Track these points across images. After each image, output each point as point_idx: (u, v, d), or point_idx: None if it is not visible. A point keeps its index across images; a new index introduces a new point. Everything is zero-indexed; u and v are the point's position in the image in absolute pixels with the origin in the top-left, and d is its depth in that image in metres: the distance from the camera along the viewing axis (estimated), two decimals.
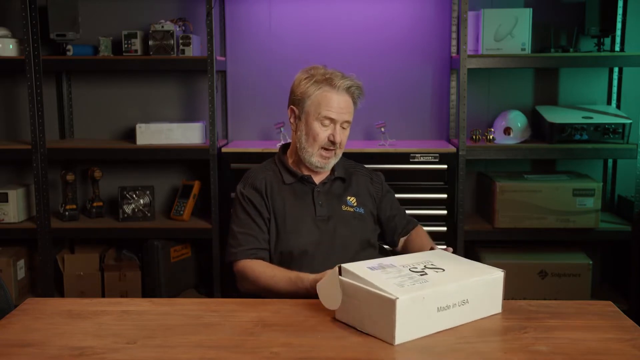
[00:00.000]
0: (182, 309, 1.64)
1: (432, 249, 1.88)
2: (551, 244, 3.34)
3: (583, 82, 3.44)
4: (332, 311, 1.54)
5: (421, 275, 1.50)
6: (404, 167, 3.12)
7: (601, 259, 3.54)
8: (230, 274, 1.97)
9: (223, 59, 3.42)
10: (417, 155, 3.12)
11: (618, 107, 3.38)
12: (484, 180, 3.40)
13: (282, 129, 3.22)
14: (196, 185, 3.39)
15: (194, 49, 3.24)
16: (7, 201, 3.25)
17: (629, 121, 3.13)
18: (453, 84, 3.42)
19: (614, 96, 3.40)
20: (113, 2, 3.45)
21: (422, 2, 3.41)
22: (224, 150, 3.17)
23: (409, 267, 1.55)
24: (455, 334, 1.45)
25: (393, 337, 1.38)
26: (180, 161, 3.55)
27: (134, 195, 3.32)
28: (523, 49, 3.14)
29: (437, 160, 3.12)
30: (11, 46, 3.23)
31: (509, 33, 3.14)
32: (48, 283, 3.27)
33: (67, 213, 3.32)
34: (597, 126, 3.12)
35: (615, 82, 3.39)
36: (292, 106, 2.00)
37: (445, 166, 3.13)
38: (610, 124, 3.12)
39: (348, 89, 1.94)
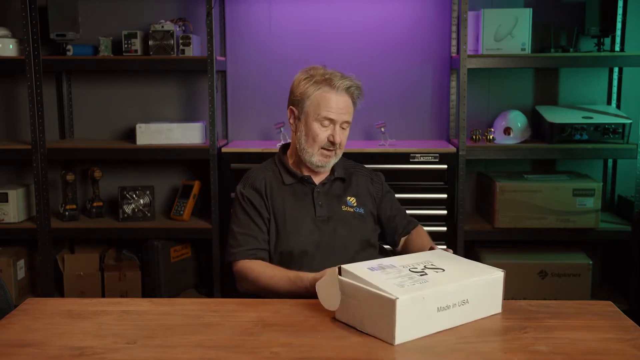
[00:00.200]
0: (182, 309, 1.64)
1: (431, 248, 1.88)
2: (551, 244, 3.34)
3: (583, 82, 3.44)
4: (332, 311, 1.54)
5: (421, 275, 1.50)
6: (404, 167, 3.12)
7: (601, 259, 3.53)
8: (230, 274, 1.97)
9: (223, 59, 3.42)
10: (417, 155, 3.12)
11: (618, 107, 3.38)
12: (484, 180, 3.40)
13: (282, 129, 3.22)
14: (196, 185, 3.39)
15: (194, 49, 3.24)
16: (7, 201, 3.25)
17: (629, 121, 3.13)
18: (453, 84, 3.42)
19: (614, 96, 3.40)
20: (113, 2, 3.45)
21: (422, 2, 3.41)
22: (224, 150, 3.17)
23: (408, 268, 1.55)
24: (455, 334, 1.45)
25: (393, 337, 1.38)
26: (180, 161, 3.55)
27: (134, 195, 3.32)
28: (523, 49, 3.14)
29: (437, 160, 3.12)
30: (11, 46, 3.23)
31: (509, 33, 3.14)
32: (48, 283, 3.27)
33: (67, 213, 3.32)
34: (597, 126, 3.12)
35: (615, 82, 3.39)
36: (291, 107, 2.00)
37: (445, 166, 3.13)
38: (610, 124, 3.12)
39: (347, 89, 1.94)
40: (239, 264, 1.91)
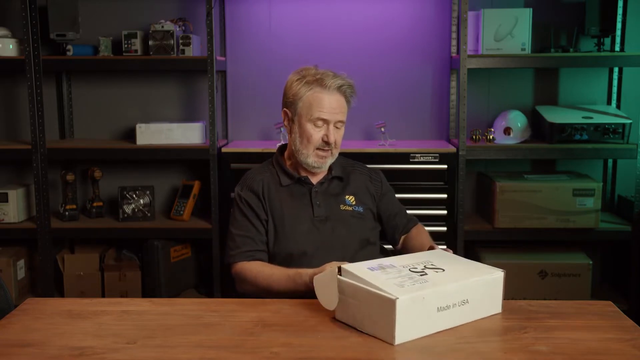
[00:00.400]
0: (182, 309, 1.64)
1: (431, 247, 1.88)
2: (551, 244, 3.34)
3: (583, 82, 3.44)
4: (332, 311, 1.54)
5: (421, 275, 1.50)
6: (404, 167, 3.12)
7: (601, 259, 3.54)
8: (230, 275, 1.97)
9: (223, 59, 3.42)
10: (417, 155, 3.12)
11: (618, 107, 3.38)
12: (484, 180, 3.40)
13: (282, 129, 3.22)
14: (196, 185, 3.39)
15: (194, 49, 3.24)
16: (7, 201, 3.25)
17: (629, 121, 3.13)
18: (453, 84, 3.42)
19: (614, 96, 3.40)
20: (113, 2, 3.45)
21: (422, 2, 3.41)
22: (224, 150, 3.17)
23: (408, 268, 1.55)
24: (455, 334, 1.45)
25: (393, 337, 1.38)
26: (180, 161, 3.55)
27: (134, 195, 3.32)
28: (523, 49, 3.14)
29: (437, 160, 3.12)
30: (11, 46, 3.23)
31: (509, 33, 3.14)
32: (48, 283, 3.27)
33: (67, 213, 3.32)
34: (597, 126, 3.12)
35: (615, 82, 3.39)
36: (285, 109, 2.00)
37: (445, 166, 3.13)
38: (610, 124, 3.12)
39: (339, 88, 1.93)
40: (238, 265, 1.91)
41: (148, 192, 3.34)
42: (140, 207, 3.32)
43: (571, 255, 3.24)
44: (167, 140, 3.24)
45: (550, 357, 1.34)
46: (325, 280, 1.55)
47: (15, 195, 3.26)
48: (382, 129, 3.26)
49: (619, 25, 3.28)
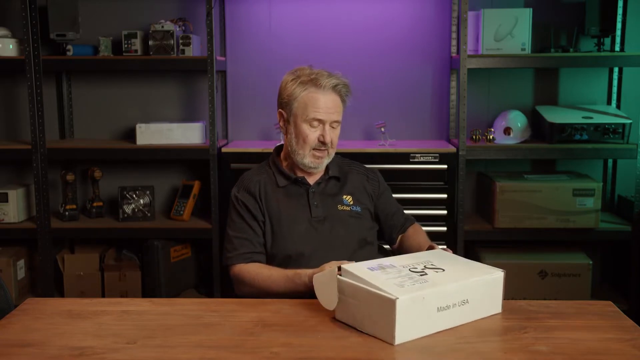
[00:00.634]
0: (182, 309, 1.64)
1: (431, 247, 1.87)
2: (551, 244, 3.34)
3: (583, 82, 3.44)
4: (332, 311, 1.54)
5: (421, 275, 1.50)
6: (404, 167, 3.12)
7: (601, 259, 3.53)
8: (229, 276, 1.97)
9: (223, 59, 3.42)
10: (417, 155, 3.12)
11: (618, 107, 3.38)
12: (484, 180, 3.40)
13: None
14: (196, 185, 3.39)
15: (194, 49, 3.24)
16: (7, 201, 3.25)
17: (629, 121, 3.13)
18: (453, 84, 3.42)
19: (614, 96, 3.40)
20: (113, 2, 3.45)
21: (422, 2, 3.41)
22: (224, 150, 3.17)
23: (408, 268, 1.55)
24: (455, 334, 1.45)
25: (393, 337, 1.38)
26: (180, 161, 3.55)
27: (134, 195, 3.32)
28: (523, 49, 3.14)
29: (437, 160, 3.12)
30: (11, 46, 3.23)
31: (509, 33, 3.14)
32: (48, 283, 3.27)
33: (67, 213, 3.32)
34: (597, 126, 3.12)
35: (615, 82, 3.39)
36: (280, 109, 2.00)
37: (445, 166, 3.13)
38: (610, 124, 3.12)
39: (334, 88, 1.93)
40: (236, 267, 1.90)
41: (148, 192, 3.34)
42: (140, 207, 3.32)
43: (571, 255, 3.24)
44: (167, 140, 3.24)
45: (550, 357, 1.34)
46: (325, 279, 1.55)
47: (15, 195, 3.26)
48: (382, 129, 3.26)
49: (619, 25, 3.28)
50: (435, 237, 2.23)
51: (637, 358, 1.35)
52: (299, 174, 2.01)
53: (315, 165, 1.97)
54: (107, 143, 3.41)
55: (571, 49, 3.21)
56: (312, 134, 1.93)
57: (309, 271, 1.73)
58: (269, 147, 3.16)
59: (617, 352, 1.37)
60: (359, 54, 3.44)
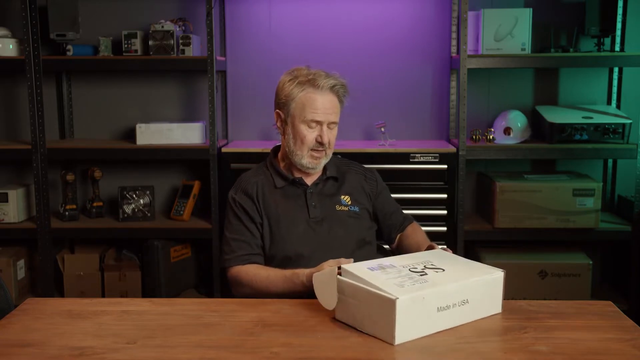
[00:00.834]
0: (182, 309, 1.64)
1: (431, 246, 1.87)
2: (551, 244, 3.34)
3: (583, 82, 3.44)
4: (332, 311, 1.54)
5: (421, 275, 1.50)
6: (404, 167, 3.12)
7: (601, 259, 3.53)
8: (226, 278, 1.97)
9: (223, 59, 3.42)
10: (417, 155, 3.12)
11: (618, 107, 3.38)
12: (484, 180, 3.40)
13: None
14: (196, 185, 3.39)
15: (194, 49, 3.24)
16: (7, 201, 3.25)
17: (629, 121, 3.13)
18: (453, 84, 3.42)
19: (614, 96, 3.40)
20: (113, 2, 3.45)
21: (422, 2, 3.41)
22: (224, 150, 3.17)
23: (408, 268, 1.55)
24: (455, 334, 1.45)
25: (393, 337, 1.38)
26: (180, 161, 3.55)
27: (134, 195, 3.32)
28: (523, 49, 3.14)
29: (437, 160, 3.12)
30: (11, 46, 3.23)
31: (509, 33, 3.14)
32: (48, 283, 3.27)
33: (67, 213, 3.32)
34: (597, 126, 3.12)
35: (615, 82, 3.39)
36: (277, 110, 1.99)
37: (445, 166, 3.13)
38: (610, 124, 3.12)
39: (332, 88, 1.92)
40: (233, 270, 1.90)
41: (148, 192, 3.34)
42: (140, 207, 3.32)
43: (571, 255, 3.24)
44: (167, 140, 3.24)
45: (550, 357, 1.34)
46: (324, 279, 1.55)
47: (15, 195, 3.26)
48: (382, 129, 3.26)
49: (619, 25, 3.28)
50: (435, 237, 2.23)
51: (637, 358, 1.35)
52: (297, 175, 2.00)
53: (313, 165, 1.97)
54: (107, 143, 3.41)
55: (571, 49, 3.21)
56: (310, 135, 1.93)
57: (306, 271, 1.73)
58: (269, 147, 3.13)
59: (617, 352, 1.37)
60: (359, 54, 3.44)
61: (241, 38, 3.47)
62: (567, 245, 3.34)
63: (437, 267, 1.57)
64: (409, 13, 3.42)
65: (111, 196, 3.51)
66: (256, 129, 3.53)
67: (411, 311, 1.39)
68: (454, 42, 3.38)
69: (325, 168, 2.03)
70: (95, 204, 3.40)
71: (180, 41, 3.20)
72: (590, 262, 3.17)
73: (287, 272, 1.79)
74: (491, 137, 3.25)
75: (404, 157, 3.12)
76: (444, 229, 3.15)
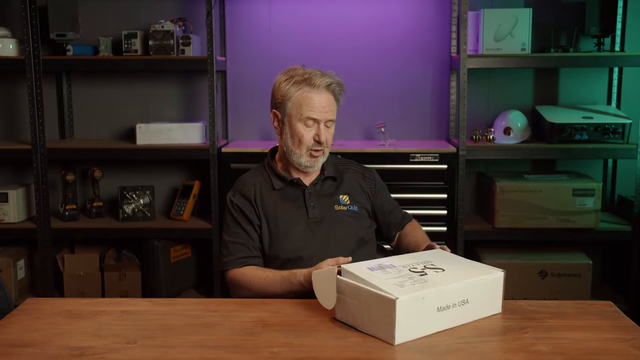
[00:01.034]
0: (182, 309, 1.64)
1: (430, 246, 1.87)
2: (551, 244, 3.34)
3: (583, 82, 3.44)
4: (332, 311, 1.54)
5: (421, 275, 1.50)
6: (404, 167, 3.12)
7: (601, 259, 3.54)
8: (225, 281, 1.96)
9: (223, 59, 3.42)
10: (417, 155, 3.12)
11: (618, 107, 3.38)
12: (484, 180, 3.40)
13: None
14: (196, 185, 3.39)
15: (194, 49, 3.24)
16: (7, 201, 3.25)
17: (629, 121, 3.13)
18: (453, 84, 3.42)
19: (614, 96, 3.40)
20: (113, 2, 3.45)
21: (422, 3, 3.41)
22: (224, 150, 3.17)
23: (408, 268, 1.55)
24: (455, 334, 1.45)
25: (393, 337, 1.38)
26: (180, 161, 3.55)
27: (134, 195, 3.32)
28: (523, 49, 3.14)
29: (437, 160, 3.12)
30: (11, 46, 3.23)
31: (509, 33, 3.14)
32: (48, 283, 3.27)
33: (67, 213, 3.32)
34: (597, 126, 3.12)
35: (615, 82, 3.39)
36: (274, 110, 1.99)
37: (445, 166, 3.13)
38: (610, 124, 3.12)
39: (328, 87, 1.93)
40: (232, 272, 1.89)
41: (148, 192, 3.34)
42: (140, 207, 3.32)
43: (571, 255, 3.24)
44: (167, 140, 3.24)
45: (550, 357, 1.34)
46: (324, 278, 1.55)
47: (15, 195, 3.26)
48: (382, 129, 3.26)
49: (619, 25, 3.28)
50: (435, 237, 2.23)
51: (637, 358, 1.35)
52: (295, 175, 2.00)
53: (311, 164, 1.97)
54: (107, 143, 3.41)
55: (571, 49, 3.21)
56: (308, 134, 1.93)
57: (304, 271, 1.74)
58: (268, 147, 3.12)
59: (617, 352, 1.37)
60: (359, 54, 3.44)
61: (241, 38, 3.47)
62: (567, 245, 3.34)
63: (437, 267, 1.57)
64: (409, 13, 3.42)
65: (111, 196, 3.51)
66: (256, 129, 3.53)
67: (411, 311, 1.39)
68: (454, 42, 3.38)
69: (323, 168, 2.03)
70: (95, 204, 3.41)
71: (180, 41, 3.20)
72: (590, 262, 3.17)
73: (285, 273, 1.79)
74: (491, 137, 3.25)
75: (404, 157, 3.12)
76: (444, 229, 3.15)
